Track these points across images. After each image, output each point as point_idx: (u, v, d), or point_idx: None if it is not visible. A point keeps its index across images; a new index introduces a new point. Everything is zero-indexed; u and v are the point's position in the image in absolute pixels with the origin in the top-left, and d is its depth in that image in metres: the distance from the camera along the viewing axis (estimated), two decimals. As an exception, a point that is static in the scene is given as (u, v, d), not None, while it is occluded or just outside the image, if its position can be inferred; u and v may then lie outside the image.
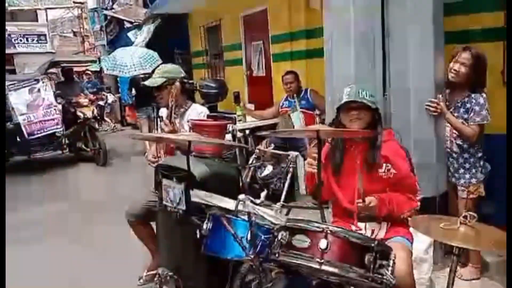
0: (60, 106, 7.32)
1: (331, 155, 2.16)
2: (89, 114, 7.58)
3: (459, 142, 2.82)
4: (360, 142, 2.10)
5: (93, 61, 9.17)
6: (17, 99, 7.04)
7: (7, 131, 7.03)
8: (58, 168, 7.44)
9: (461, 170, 2.84)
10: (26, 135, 6.90)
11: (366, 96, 2.03)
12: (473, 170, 2.81)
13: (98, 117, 8.40)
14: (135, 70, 7.49)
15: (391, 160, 2.04)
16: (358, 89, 2.05)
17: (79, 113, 7.56)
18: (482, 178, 2.81)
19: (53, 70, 9.35)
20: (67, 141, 7.63)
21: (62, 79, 9.20)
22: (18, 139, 7.12)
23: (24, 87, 7.13)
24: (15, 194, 5.69)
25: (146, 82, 2.93)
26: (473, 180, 2.80)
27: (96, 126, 7.73)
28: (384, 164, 2.04)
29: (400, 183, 2.05)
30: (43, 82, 7.27)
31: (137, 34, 9.96)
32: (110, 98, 11.84)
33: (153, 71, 4.04)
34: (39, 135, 7.04)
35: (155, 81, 2.86)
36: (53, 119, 7.11)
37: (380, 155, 2.04)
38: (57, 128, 7.21)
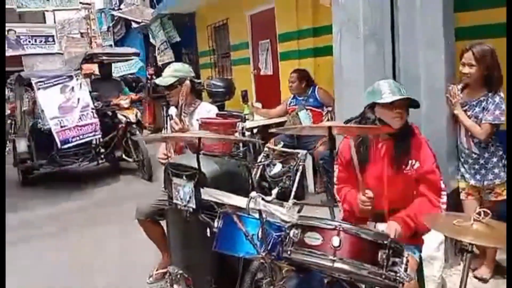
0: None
1: (355, 153, 2.13)
2: (132, 117, 6.30)
3: (477, 141, 2.74)
4: (388, 139, 2.07)
5: (136, 54, 7.59)
6: (47, 100, 5.77)
7: (34, 137, 6.02)
8: (99, 182, 6.16)
9: (483, 171, 2.74)
10: (59, 144, 5.65)
11: (405, 93, 2.00)
12: (496, 170, 2.71)
13: (141, 121, 6.97)
14: (125, 71, 9.92)
15: (417, 155, 2.02)
16: (399, 86, 2.01)
17: (120, 117, 6.33)
18: (506, 178, 2.72)
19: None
20: (102, 150, 6.41)
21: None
22: (46, 147, 5.96)
23: (55, 85, 5.86)
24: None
25: (157, 81, 2.93)
26: (497, 181, 2.71)
27: (137, 132, 6.32)
28: (410, 161, 2.02)
29: (423, 178, 2.02)
30: (77, 79, 5.98)
31: (155, 38, 10.05)
32: None
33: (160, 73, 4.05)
34: (75, 143, 5.78)
35: (166, 80, 2.86)
36: (90, 124, 5.84)
37: (409, 152, 2.02)
38: (95, 135, 5.94)
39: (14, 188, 6.09)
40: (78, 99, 5.88)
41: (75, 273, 3.43)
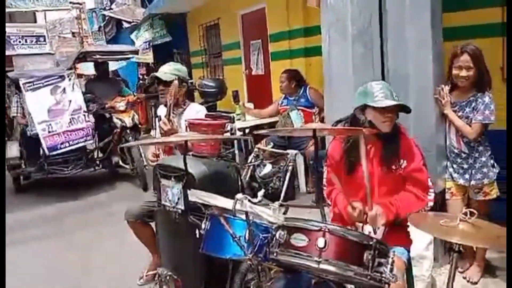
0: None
1: (345, 155, 2.13)
2: (128, 121, 5.81)
3: (466, 140, 2.75)
4: (376, 140, 2.07)
5: (135, 52, 7.14)
6: (35, 102, 5.33)
7: (24, 142, 5.71)
8: (96, 188, 5.79)
9: (471, 170, 2.75)
10: (46, 150, 5.28)
11: (396, 97, 2.01)
12: (485, 170, 2.72)
13: (140, 125, 6.42)
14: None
15: (405, 155, 2.03)
16: (391, 90, 2.03)
17: (115, 120, 5.87)
18: (495, 178, 2.73)
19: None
20: (99, 155, 6.03)
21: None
22: (35, 154, 5.60)
23: (45, 86, 5.42)
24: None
25: (158, 74, 2.91)
26: (485, 180, 2.72)
27: (130, 138, 5.82)
28: (399, 161, 2.03)
29: (411, 176, 2.03)
30: (69, 79, 5.54)
31: (137, 35, 9.93)
32: None
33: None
34: (63, 150, 5.37)
35: (167, 76, 2.84)
36: (81, 129, 5.42)
37: (397, 153, 2.03)
38: (86, 141, 5.53)
39: (8, 195, 5.78)
40: (70, 102, 5.46)
41: (69, 274, 3.43)
